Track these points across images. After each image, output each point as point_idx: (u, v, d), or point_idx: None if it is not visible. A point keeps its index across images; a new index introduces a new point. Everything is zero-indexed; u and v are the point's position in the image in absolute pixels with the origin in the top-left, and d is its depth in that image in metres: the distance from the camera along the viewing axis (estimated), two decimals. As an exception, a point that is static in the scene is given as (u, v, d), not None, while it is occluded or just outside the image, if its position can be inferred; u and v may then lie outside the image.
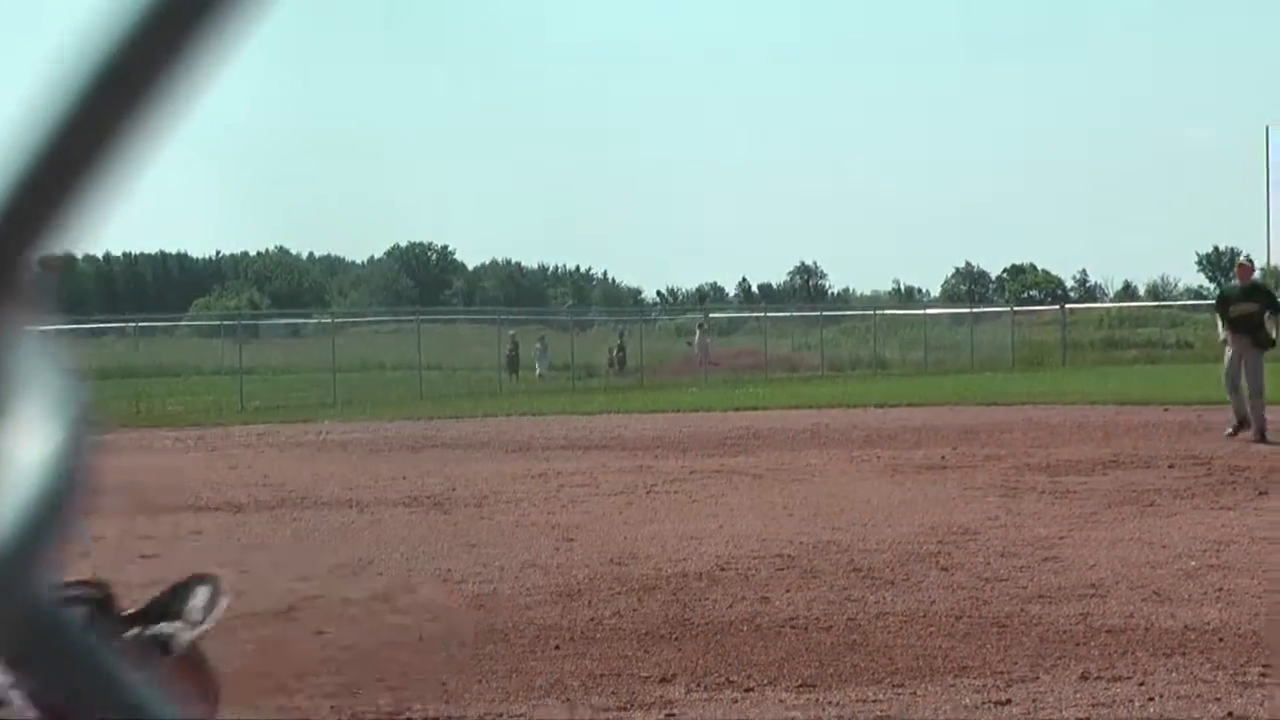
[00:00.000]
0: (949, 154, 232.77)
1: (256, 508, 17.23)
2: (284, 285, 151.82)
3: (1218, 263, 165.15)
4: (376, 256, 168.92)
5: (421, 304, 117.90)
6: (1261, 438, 22.37)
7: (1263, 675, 7.72)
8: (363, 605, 10.62)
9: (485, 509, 16.70)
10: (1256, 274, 25.93)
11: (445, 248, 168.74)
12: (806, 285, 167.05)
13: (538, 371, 63.89)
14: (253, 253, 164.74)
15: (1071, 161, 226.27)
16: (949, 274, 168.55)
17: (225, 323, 69.73)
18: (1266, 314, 23.24)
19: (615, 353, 66.22)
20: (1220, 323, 23.82)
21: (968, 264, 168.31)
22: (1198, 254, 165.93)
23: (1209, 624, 9.17)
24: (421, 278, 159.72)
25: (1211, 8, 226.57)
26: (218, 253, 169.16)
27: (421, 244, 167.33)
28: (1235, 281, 24.76)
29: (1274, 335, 23.26)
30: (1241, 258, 25.32)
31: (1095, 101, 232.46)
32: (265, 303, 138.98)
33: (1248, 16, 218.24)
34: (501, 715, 7.34)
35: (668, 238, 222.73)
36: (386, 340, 78.17)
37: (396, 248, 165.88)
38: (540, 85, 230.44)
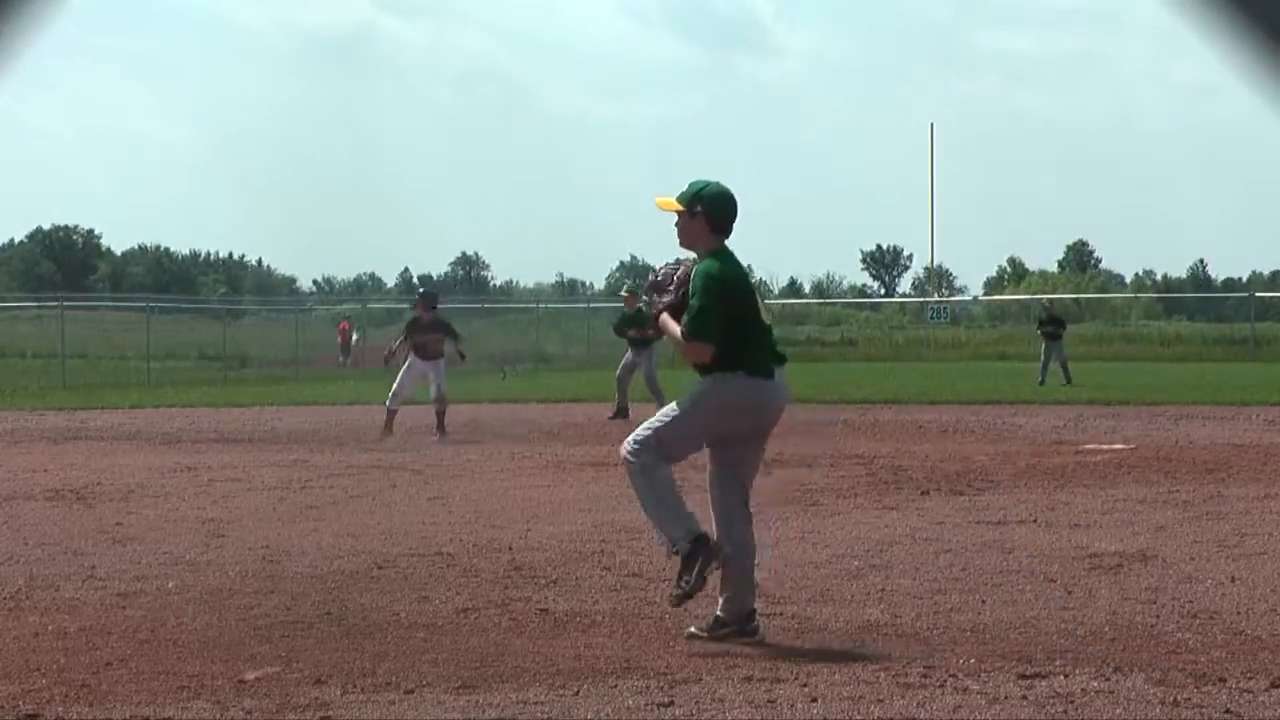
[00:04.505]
0: (608, 148, 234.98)
1: (-113, 499, 16.52)
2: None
3: (881, 260, 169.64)
4: (17, 239, 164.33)
5: (65, 289, 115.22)
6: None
7: (924, 676, 7.72)
8: (0, 603, 10.19)
9: (132, 503, 16.21)
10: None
11: (91, 231, 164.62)
12: (469, 276, 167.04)
13: None
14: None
15: (731, 157, 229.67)
16: (613, 268, 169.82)
17: None
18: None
19: None
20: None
21: (633, 257, 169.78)
22: (862, 252, 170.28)
23: (872, 625, 9.18)
24: (65, 262, 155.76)
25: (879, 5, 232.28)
26: None
27: (65, 227, 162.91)
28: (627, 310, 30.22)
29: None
30: (625, 289, 31.55)
31: (761, 97, 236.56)
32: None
33: (917, 16, 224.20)
34: (149, 718, 7.01)
35: (323, 225, 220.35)
36: (27, 327, 76.25)
37: (39, 230, 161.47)
38: (193, 61, 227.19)
